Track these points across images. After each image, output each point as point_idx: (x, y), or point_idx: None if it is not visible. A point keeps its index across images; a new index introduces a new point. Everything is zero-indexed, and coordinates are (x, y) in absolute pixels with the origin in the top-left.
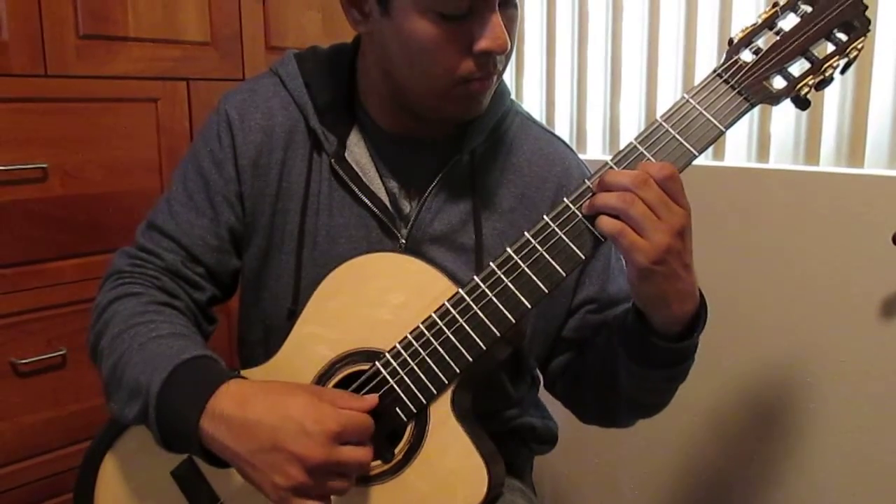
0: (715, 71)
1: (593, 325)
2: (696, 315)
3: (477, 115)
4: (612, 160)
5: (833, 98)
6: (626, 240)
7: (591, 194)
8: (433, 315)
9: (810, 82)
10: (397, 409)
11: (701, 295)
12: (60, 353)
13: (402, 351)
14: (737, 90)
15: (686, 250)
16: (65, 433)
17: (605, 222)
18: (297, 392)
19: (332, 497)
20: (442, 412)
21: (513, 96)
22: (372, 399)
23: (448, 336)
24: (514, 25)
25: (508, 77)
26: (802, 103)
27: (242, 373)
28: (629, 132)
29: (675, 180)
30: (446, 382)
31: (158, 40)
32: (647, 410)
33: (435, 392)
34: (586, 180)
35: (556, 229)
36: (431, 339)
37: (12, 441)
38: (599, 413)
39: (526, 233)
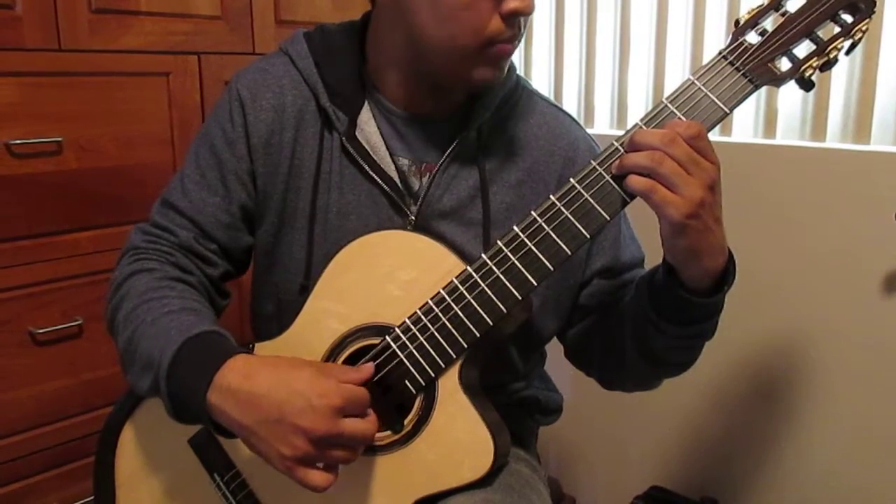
0: (720, 53)
1: (608, 290)
2: (725, 269)
3: (495, 83)
4: (630, 129)
5: (840, 75)
6: (657, 195)
7: (620, 154)
8: (442, 291)
9: (815, 64)
10: (406, 383)
11: (729, 251)
12: (77, 322)
13: (412, 326)
14: (741, 72)
15: (717, 203)
16: (82, 400)
17: (635, 180)
18: (302, 367)
19: (340, 466)
20: (450, 385)
21: (521, 71)
22: (368, 367)
23: (456, 312)
24: None
25: (517, 51)
26: (806, 85)
27: (256, 346)
28: (637, 107)
29: (703, 138)
30: (454, 356)
31: (169, 14)
32: (675, 369)
33: (443, 366)
34: (614, 142)
35: (583, 191)
36: (440, 314)
37: (32, 407)
38: (626, 377)
39: (553, 195)
